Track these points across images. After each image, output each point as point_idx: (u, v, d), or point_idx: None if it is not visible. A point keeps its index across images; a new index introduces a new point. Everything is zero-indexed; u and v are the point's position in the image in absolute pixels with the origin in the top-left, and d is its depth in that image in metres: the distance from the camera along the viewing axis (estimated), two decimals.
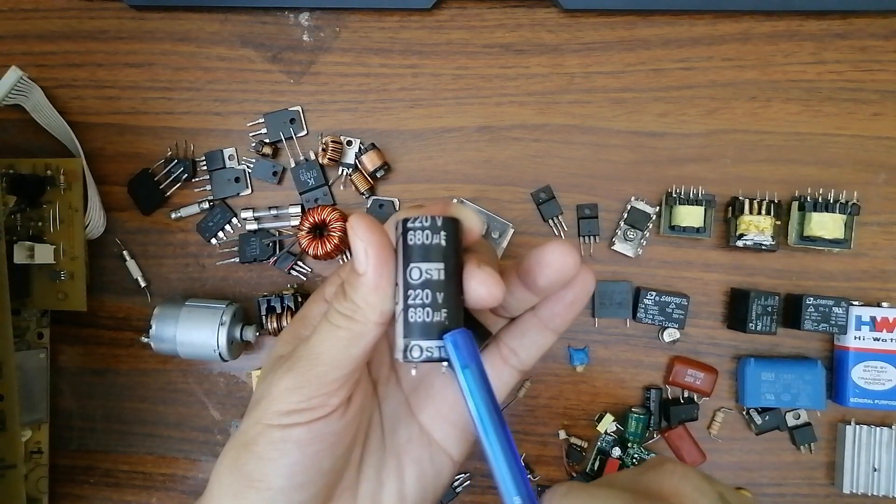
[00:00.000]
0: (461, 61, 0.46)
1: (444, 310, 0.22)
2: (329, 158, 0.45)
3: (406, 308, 0.22)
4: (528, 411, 0.46)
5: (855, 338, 0.43)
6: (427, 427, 0.28)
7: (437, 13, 0.46)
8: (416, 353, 0.22)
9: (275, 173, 0.46)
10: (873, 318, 0.43)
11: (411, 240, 0.22)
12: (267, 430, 0.23)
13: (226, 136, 0.47)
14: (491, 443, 0.21)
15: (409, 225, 0.22)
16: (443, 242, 0.22)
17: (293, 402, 0.23)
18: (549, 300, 0.25)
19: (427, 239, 0.22)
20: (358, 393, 0.25)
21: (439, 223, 0.22)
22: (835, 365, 0.44)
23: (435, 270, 0.22)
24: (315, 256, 0.45)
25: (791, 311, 0.44)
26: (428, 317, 0.22)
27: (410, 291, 0.22)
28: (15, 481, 0.39)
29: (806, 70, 0.44)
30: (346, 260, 0.46)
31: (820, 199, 0.43)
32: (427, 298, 0.22)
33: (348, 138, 0.46)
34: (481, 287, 0.22)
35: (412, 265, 0.22)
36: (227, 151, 0.47)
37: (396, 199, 0.46)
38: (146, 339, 0.44)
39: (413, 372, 0.23)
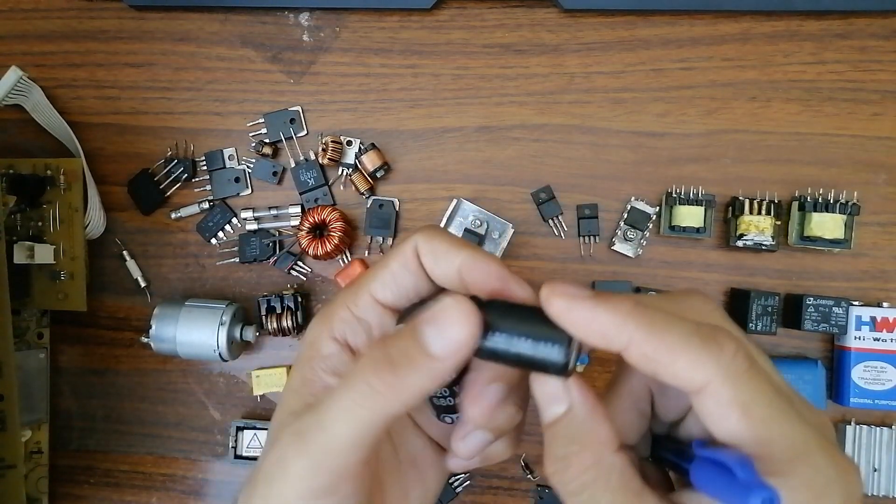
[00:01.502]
0: (461, 61, 0.46)
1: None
2: (329, 158, 0.45)
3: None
4: (528, 411, 0.46)
5: (855, 338, 0.43)
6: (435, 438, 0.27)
7: (437, 13, 0.45)
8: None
9: (275, 173, 0.46)
10: (873, 319, 0.43)
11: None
12: None
13: (226, 136, 0.47)
14: None
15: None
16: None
17: (310, 490, 0.21)
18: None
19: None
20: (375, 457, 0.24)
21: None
22: (835, 365, 0.44)
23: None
24: (315, 256, 0.45)
25: (791, 311, 0.43)
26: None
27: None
28: (15, 481, 0.39)
29: (806, 70, 0.44)
30: (345, 262, 0.46)
31: (820, 199, 0.43)
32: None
33: (348, 138, 0.46)
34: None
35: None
36: (227, 151, 0.47)
37: (396, 199, 0.46)
38: (146, 339, 0.44)
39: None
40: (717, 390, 0.20)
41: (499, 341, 0.21)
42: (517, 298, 0.22)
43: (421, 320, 0.21)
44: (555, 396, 0.21)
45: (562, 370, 0.20)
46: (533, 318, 0.21)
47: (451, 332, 0.20)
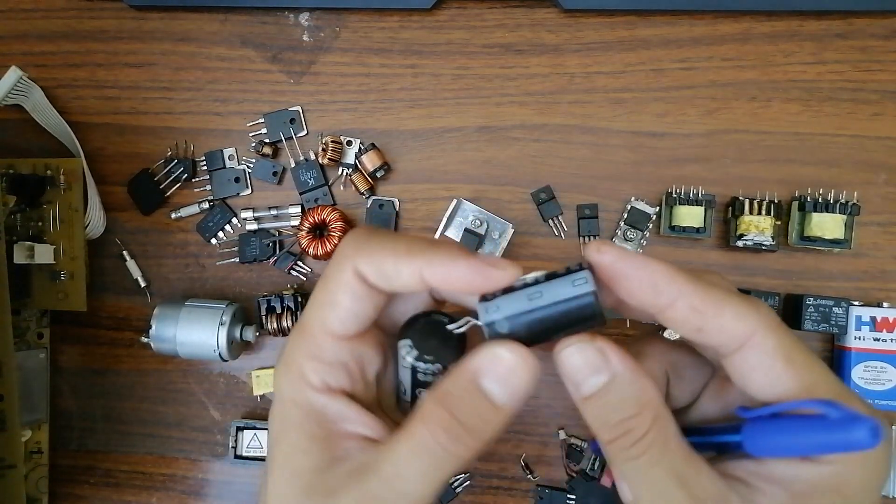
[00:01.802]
0: (461, 61, 0.46)
1: None
2: (329, 158, 0.45)
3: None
4: (529, 411, 0.46)
5: (855, 338, 0.43)
6: None
7: (437, 13, 0.45)
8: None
9: (275, 173, 0.46)
10: (873, 319, 0.43)
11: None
12: None
13: (226, 136, 0.47)
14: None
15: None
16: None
17: None
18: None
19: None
20: None
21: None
22: (835, 365, 0.44)
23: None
24: (315, 256, 0.45)
25: (791, 312, 0.43)
26: None
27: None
28: (15, 481, 0.39)
29: (806, 70, 0.44)
30: None
31: (820, 199, 0.43)
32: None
33: (348, 138, 0.46)
34: None
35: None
36: (227, 151, 0.47)
37: (396, 200, 0.46)
38: (146, 339, 0.44)
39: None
40: (762, 341, 0.20)
41: (523, 316, 0.20)
42: (507, 280, 0.21)
43: (478, 374, 0.20)
44: (593, 366, 0.21)
45: (595, 312, 0.20)
46: (542, 283, 0.21)
47: (514, 381, 0.20)
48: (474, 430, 0.20)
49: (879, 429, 0.18)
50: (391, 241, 0.22)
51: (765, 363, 0.21)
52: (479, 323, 0.21)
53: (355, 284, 0.22)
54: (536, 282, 0.21)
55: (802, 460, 0.21)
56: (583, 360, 0.21)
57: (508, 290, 0.21)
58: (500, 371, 0.20)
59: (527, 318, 0.20)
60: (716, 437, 0.22)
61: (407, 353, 0.22)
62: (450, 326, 0.22)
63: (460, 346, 0.23)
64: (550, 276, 0.21)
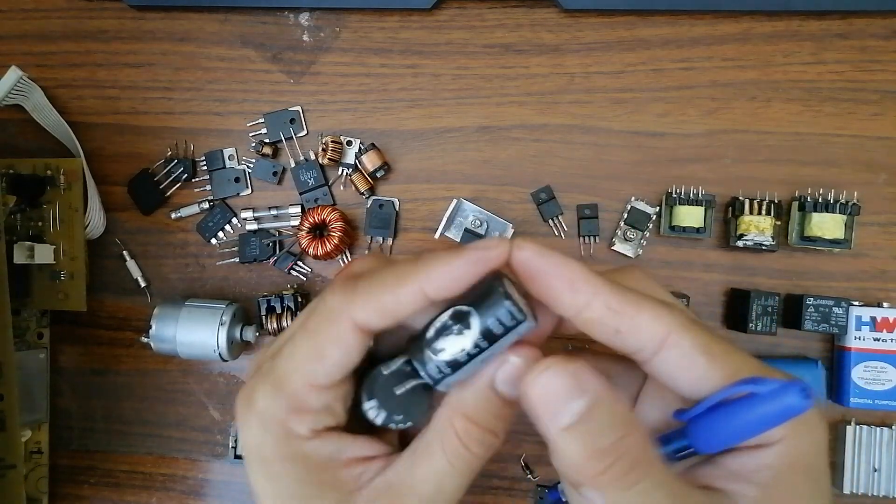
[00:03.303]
0: (461, 61, 0.46)
1: None
2: (329, 158, 0.45)
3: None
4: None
5: (855, 338, 0.43)
6: None
7: (437, 13, 0.45)
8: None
9: (275, 173, 0.46)
10: (873, 319, 0.43)
11: None
12: None
13: (226, 136, 0.47)
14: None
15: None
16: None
17: None
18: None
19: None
20: None
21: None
22: (835, 365, 0.44)
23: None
24: (315, 256, 0.45)
25: (791, 312, 0.43)
26: None
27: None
28: (15, 481, 0.39)
29: (806, 70, 0.44)
30: (345, 262, 0.46)
31: (820, 199, 0.43)
32: None
33: (348, 138, 0.46)
34: None
35: None
36: (227, 151, 0.47)
37: (396, 200, 0.46)
38: (146, 339, 0.44)
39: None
40: (679, 340, 0.20)
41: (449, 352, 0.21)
42: (503, 257, 0.21)
43: (493, 380, 0.21)
44: (570, 391, 0.19)
45: (520, 316, 0.20)
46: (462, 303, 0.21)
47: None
48: (497, 431, 0.21)
49: (808, 388, 0.19)
50: (379, 276, 0.21)
51: (686, 361, 0.21)
52: (427, 380, 0.22)
53: (351, 337, 0.21)
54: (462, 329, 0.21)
55: (755, 448, 0.21)
56: (558, 387, 0.19)
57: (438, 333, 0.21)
58: (512, 372, 0.21)
59: (467, 360, 0.21)
60: (668, 447, 0.22)
61: (376, 416, 0.22)
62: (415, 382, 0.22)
63: (428, 390, 0.22)
64: (459, 316, 0.21)
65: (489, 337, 0.20)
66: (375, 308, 0.20)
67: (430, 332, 0.21)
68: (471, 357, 0.20)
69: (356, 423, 0.23)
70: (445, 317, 0.21)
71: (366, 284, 0.21)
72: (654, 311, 0.20)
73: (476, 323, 0.20)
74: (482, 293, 0.20)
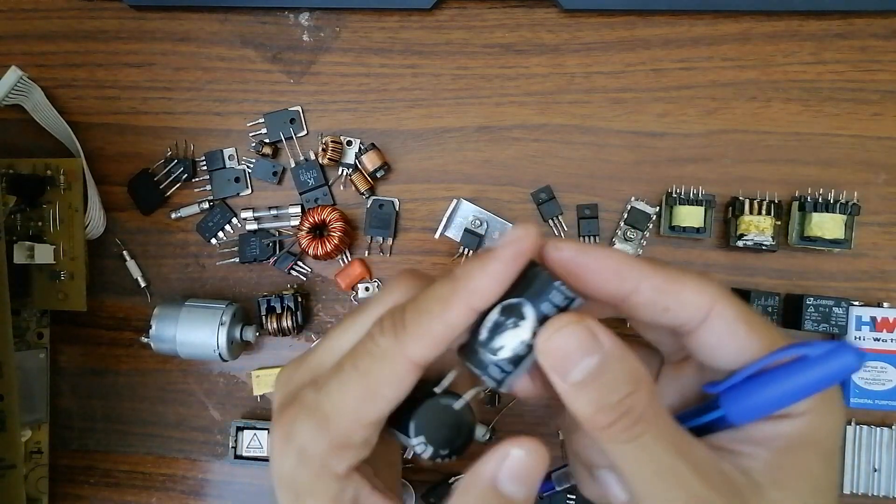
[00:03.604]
0: (461, 61, 0.46)
1: None
2: (329, 158, 0.45)
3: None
4: (529, 411, 0.46)
5: (855, 338, 0.43)
6: None
7: (437, 13, 0.45)
8: None
9: (275, 173, 0.46)
10: (873, 319, 0.43)
11: None
12: None
13: (226, 136, 0.47)
14: None
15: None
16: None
17: None
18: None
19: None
20: None
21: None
22: None
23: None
24: (315, 256, 0.45)
25: (791, 312, 0.43)
26: None
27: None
28: (15, 481, 0.39)
29: (806, 70, 0.44)
30: (345, 262, 0.46)
31: (820, 199, 0.43)
32: None
33: (348, 138, 0.46)
34: None
35: None
36: (227, 151, 0.47)
37: (396, 200, 0.46)
38: (146, 339, 0.44)
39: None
40: (724, 310, 0.21)
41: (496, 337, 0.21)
42: (533, 243, 0.21)
43: (495, 480, 0.20)
44: (583, 347, 0.19)
45: (572, 294, 0.20)
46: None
47: (531, 474, 0.20)
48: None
49: (859, 349, 0.20)
50: (424, 305, 0.21)
51: (729, 329, 0.21)
52: (485, 385, 0.21)
53: (407, 376, 0.21)
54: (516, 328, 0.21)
55: (778, 418, 0.21)
56: (573, 343, 0.19)
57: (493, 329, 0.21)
58: (515, 469, 0.20)
59: (522, 355, 0.21)
60: (695, 421, 0.22)
61: (423, 451, 0.22)
62: (456, 405, 0.22)
63: (469, 422, 0.22)
64: (509, 310, 0.21)
65: (546, 322, 0.20)
66: (428, 341, 0.20)
67: (483, 334, 0.21)
68: (531, 348, 0.20)
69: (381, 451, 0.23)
70: (495, 314, 0.21)
71: (413, 318, 0.20)
72: (698, 285, 0.21)
73: (530, 312, 0.20)
74: (525, 283, 0.21)
